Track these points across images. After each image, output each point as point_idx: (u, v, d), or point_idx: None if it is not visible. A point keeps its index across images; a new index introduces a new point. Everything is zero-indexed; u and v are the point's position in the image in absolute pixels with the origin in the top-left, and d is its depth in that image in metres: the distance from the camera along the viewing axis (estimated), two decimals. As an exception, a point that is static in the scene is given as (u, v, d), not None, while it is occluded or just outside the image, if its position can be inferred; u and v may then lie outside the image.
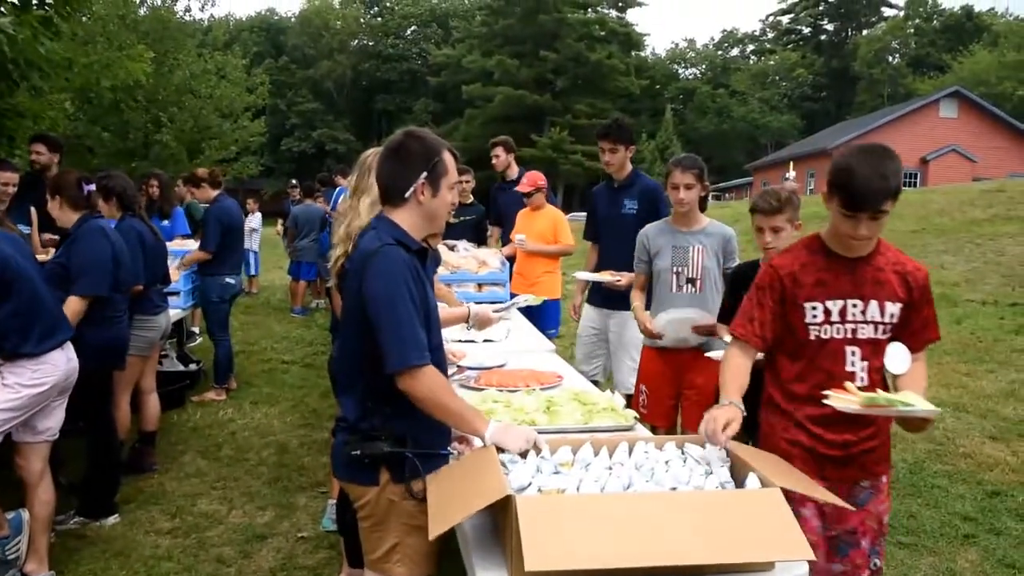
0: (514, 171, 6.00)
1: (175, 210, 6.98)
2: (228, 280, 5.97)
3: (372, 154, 3.07)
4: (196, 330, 7.90)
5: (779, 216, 3.05)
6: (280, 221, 11.91)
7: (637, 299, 3.84)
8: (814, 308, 2.32)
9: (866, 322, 2.31)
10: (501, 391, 3.14)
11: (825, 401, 2.19)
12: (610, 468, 2.12)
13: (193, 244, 6.20)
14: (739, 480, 2.05)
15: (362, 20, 51.82)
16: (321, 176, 11.27)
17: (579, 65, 42.75)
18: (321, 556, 3.64)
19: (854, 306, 2.30)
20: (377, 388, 2.17)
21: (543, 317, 5.10)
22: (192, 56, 16.74)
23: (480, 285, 5.30)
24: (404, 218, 2.24)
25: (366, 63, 49.57)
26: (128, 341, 4.05)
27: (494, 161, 6.00)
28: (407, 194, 2.21)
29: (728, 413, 2.20)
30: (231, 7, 75.05)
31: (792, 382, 2.40)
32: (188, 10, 17.78)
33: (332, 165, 39.43)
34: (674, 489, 1.98)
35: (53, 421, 3.29)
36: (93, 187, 3.80)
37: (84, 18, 6.10)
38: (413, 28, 52.12)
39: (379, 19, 51.93)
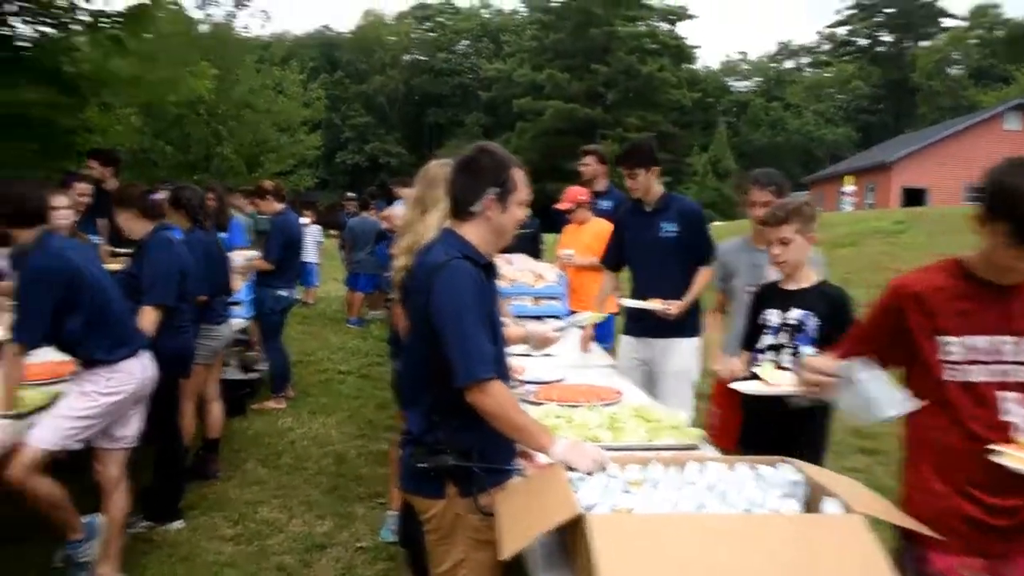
0: (602, 183, 5.89)
1: (232, 222, 7.12)
2: (282, 292, 6.06)
3: (436, 166, 3.10)
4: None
5: (785, 227, 2.89)
6: (335, 233, 12.10)
7: (713, 326, 3.80)
8: (951, 343, 1.97)
9: (1020, 363, 1.94)
10: (562, 406, 3.13)
11: (995, 459, 1.87)
12: (680, 488, 2.09)
13: (251, 254, 6.33)
14: (815, 505, 2.00)
15: (414, 35, 52.55)
16: (371, 189, 11.44)
17: (630, 78, 42.61)
18: (380, 567, 3.65)
19: (1004, 343, 1.94)
20: (443, 401, 2.18)
21: (598, 332, 5.05)
22: (251, 71, 17.16)
23: (537, 298, 5.29)
24: (472, 232, 2.25)
25: (418, 77, 50.19)
26: (194, 350, 4.14)
27: (583, 169, 5.93)
28: (476, 208, 2.22)
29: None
30: (288, 24, 76.92)
31: (935, 431, 2.02)
32: (247, 27, 18.27)
33: (385, 178, 39.83)
34: (748, 511, 1.94)
35: (130, 429, 3.39)
36: (160, 196, 3.91)
37: (146, 36, 6.24)
38: (465, 42, 52.65)
39: (431, 34, 52.58)
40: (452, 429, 2.18)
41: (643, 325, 4.19)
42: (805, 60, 56.94)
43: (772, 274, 3.16)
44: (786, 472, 2.15)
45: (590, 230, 5.36)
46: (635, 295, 4.23)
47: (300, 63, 21.33)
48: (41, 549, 3.47)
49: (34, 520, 3.47)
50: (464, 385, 2.08)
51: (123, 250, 5.17)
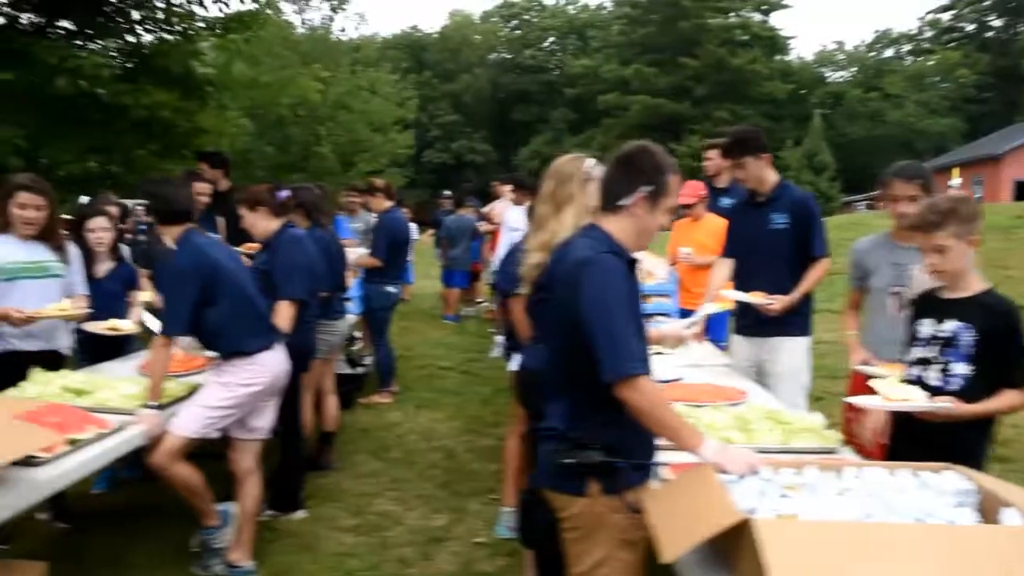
0: (725, 179, 5.74)
1: (336, 220, 7.29)
2: (389, 289, 6.18)
3: (568, 161, 3.08)
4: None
5: (940, 233, 2.54)
6: (430, 231, 12.27)
7: (849, 322, 3.63)
8: None
9: None
10: (688, 406, 3.05)
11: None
12: (840, 493, 2.00)
13: (360, 252, 6.48)
14: (991, 515, 1.88)
15: (501, 33, 52.80)
16: (466, 186, 11.53)
17: (720, 71, 41.68)
18: (500, 563, 3.66)
19: None
20: (588, 397, 2.16)
21: (711, 328, 4.92)
22: (346, 73, 17.59)
23: (646, 296, 5.21)
24: (616, 228, 2.21)
25: (504, 75, 50.43)
26: (315, 345, 4.25)
27: (706, 164, 5.82)
28: (625, 203, 2.18)
29: None
30: (376, 26, 78.61)
31: None
32: (343, 30, 18.74)
33: (471, 175, 40.10)
34: (920, 521, 1.84)
35: (265, 420, 3.50)
36: (284, 194, 4.02)
37: (256, 40, 6.51)
38: (551, 39, 52.58)
39: (518, 32, 52.72)
40: (597, 425, 2.15)
41: (751, 323, 4.03)
42: (906, 48, 54.40)
43: (919, 275, 2.98)
44: (953, 479, 2.03)
45: (705, 227, 5.24)
46: (741, 291, 4.10)
47: (394, 64, 21.73)
48: (178, 533, 3.62)
49: (172, 505, 3.65)
50: (612, 381, 2.04)
51: (240, 249, 5.37)
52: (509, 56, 51.80)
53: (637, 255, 4.13)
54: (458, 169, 44.76)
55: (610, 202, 2.22)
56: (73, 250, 3.88)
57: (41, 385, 3.26)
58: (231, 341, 3.27)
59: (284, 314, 3.70)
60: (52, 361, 3.59)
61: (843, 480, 2.06)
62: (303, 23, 17.23)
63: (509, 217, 8.01)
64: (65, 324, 3.79)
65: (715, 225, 5.26)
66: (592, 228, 2.26)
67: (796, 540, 1.65)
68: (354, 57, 20.27)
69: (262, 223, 3.91)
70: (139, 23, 6.68)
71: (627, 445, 2.17)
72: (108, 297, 4.22)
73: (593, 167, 3.07)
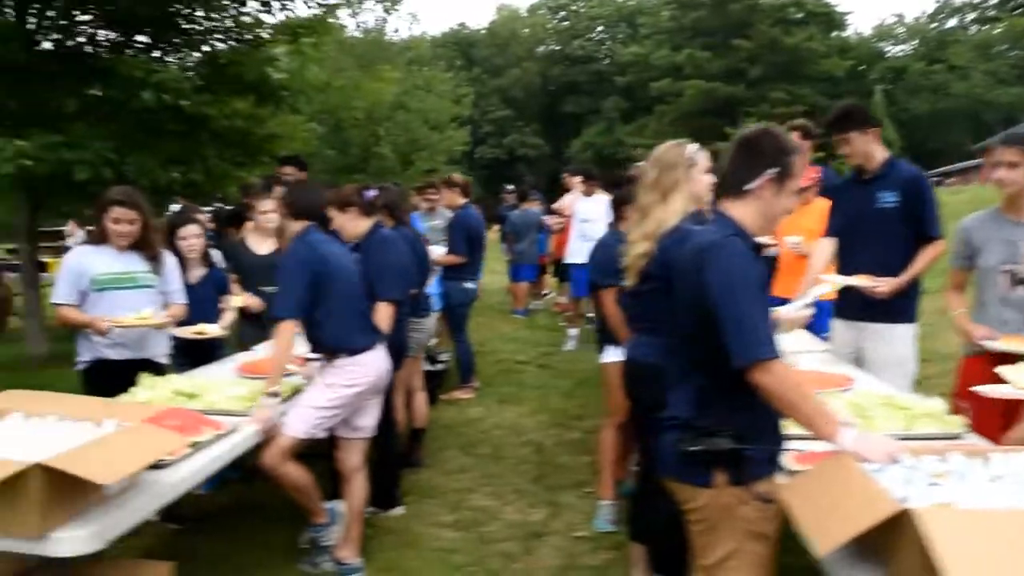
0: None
1: (411, 217, 7.35)
2: (467, 285, 6.20)
3: (671, 148, 3.03)
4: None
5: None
6: (495, 227, 12.28)
7: (956, 303, 3.48)
8: None
9: None
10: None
11: None
12: (992, 480, 1.92)
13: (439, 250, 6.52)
14: None
15: (548, 26, 52.54)
16: (529, 179, 11.52)
17: (774, 52, 40.73)
18: (604, 557, 3.63)
19: None
20: (714, 384, 2.13)
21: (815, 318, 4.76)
22: (403, 72, 17.70)
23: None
24: (741, 212, 2.16)
25: (553, 67, 50.15)
26: (407, 343, 4.28)
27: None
28: (750, 187, 2.13)
29: None
30: (425, 26, 79.10)
31: None
32: (396, 31, 18.88)
33: (523, 169, 39.93)
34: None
35: (369, 419, 3.54)
36: (372, 194, 4.05)
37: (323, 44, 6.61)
38: (600, 28, 52.13)
39: (566, 23, 52.38)
40: (725, 411, 2.11)
41: (853, 307, 3.84)
42: (970, 17, 52.30)
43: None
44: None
45: (813, 212, 5.07)
46: (843, 274, 3.95)
47: (448, 62, 21.79)
48: (284, 532, 3.70)
49: (277, 504, 3.73)
50: (744, 365, 1.99)
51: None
52: (558, 48, 51.47)
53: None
54: (511, 164, 44.77)
55: (734, 187, 2.17)
56: (170, 260, 3.96)
57: (151, 390, 3.35)
58: (336, 338, 3.31)
59: (383, 314, 3.75)
60: (146, 370, 3.61)
61: (992, 467, 1.98)
62: (357, 26, 17.39)
63: (580, 208, 7.98)
64: (158, 333, 3.86)
65: (824, 208, 5.09)
66: (715, 213, 2.22)
67: (963, 530, 1.58)
68: (408, 56, 20.40)
69: (352, 224, 3.94)
70: (208, 33, 6.82)
71: (755, 433, 2.12)
72: (201, 302, 4.31)
73: (696, 152, 3.01)
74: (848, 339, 3.97)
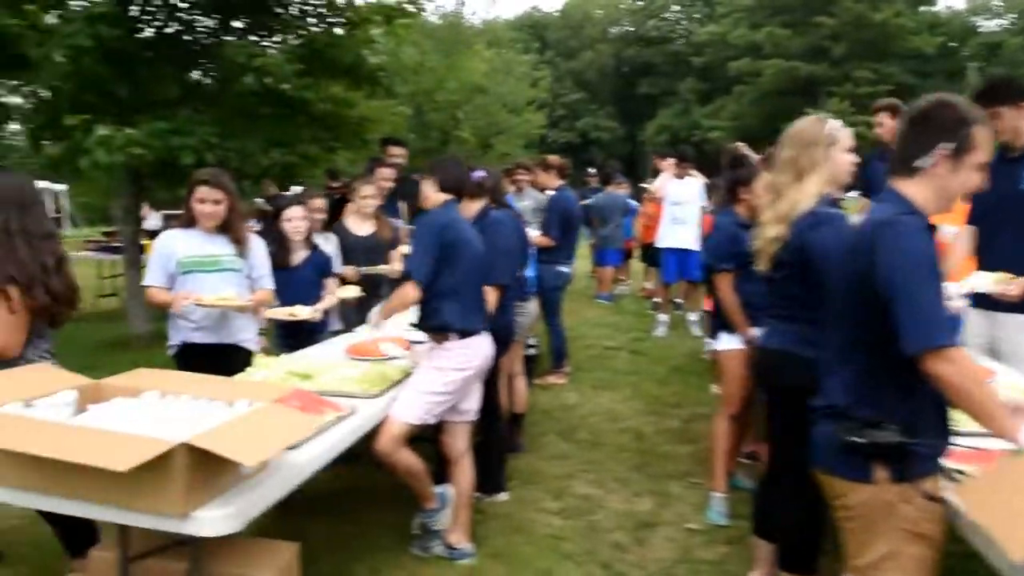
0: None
1: (509, 199, 7.28)
2: (562, 268, 6.10)
3: (811, 123, 2.86)
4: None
5: None
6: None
7: None
8: None
9: None
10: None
11: None
12: None
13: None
14: None
15: (622, 6, 51.72)
16: (611, 163, 11.32)
17: (860, 28, 39.08)
18: (721, 551, 3.51)
19: None
20: (875, 371, 1.99)
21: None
22: (481, 56, 17.64)
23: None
24: (914, 191, 2.00)
25: (628, 49, 49.37)
26: (514, 327, 4.22)
27: (878, 130, 5.42)
28: (923, 164, 1.97)
29: None
30: (499, 9, 78.85)
31: None
32: (474, 13, 18.81)
33: (596, 153, 39.46)
34: None
35: (473, 402, 3.50)
36: (480, 175, 3.98)
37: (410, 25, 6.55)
38: (675, 8, 51.02)
39: (640, 3, 51.44)
40: (890, 401, 1.98)
41: (988, 296, 3.52)
42: (1073, -13, 49.14)
43: None
44: None
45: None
46: (982, 264, 3.67)
47: (524, 45, 21.58)
48: (392, 515, 3.69)
49: (384, 487, 3.72)
50: (918, 352, 1.84)
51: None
52: (632, 29, 50.65)
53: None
54: (584, 147, 44.38)
55: (905, 164, 2.01)
56: (257, 244, 3.90)
57: (266, 369, 3.38)
58: (452, 316, 3.27)
59: (492, 298, 3.69)
60: (232, 355, 3.66)
61: None
62: (436, 9, 17.40)
63: (671, 191, 7.79)
64: (245, 318, 3.82)
65: None
66: (887, 192, 2.06)
67: None
68: (487, 40, 20.31)
69: (463, 206, 3.88)
70: (302, 16, 6.83)
71: (922, 425, 1.98)
72: (303, 284, 4.37)
73: (839, 129, 2.83)
74: (982, 329, 3.74)
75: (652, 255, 8.20)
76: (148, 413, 2.32)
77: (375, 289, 5.05)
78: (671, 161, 7.93)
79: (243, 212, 4.02)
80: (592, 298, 10.14)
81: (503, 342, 4.01)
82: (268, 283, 3.94)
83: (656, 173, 8.75)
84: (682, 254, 7.77)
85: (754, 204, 3.91)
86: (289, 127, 6.03)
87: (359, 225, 5.04)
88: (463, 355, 3.33)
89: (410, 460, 3.28)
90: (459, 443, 3.52)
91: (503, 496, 4.10)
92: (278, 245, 4.34)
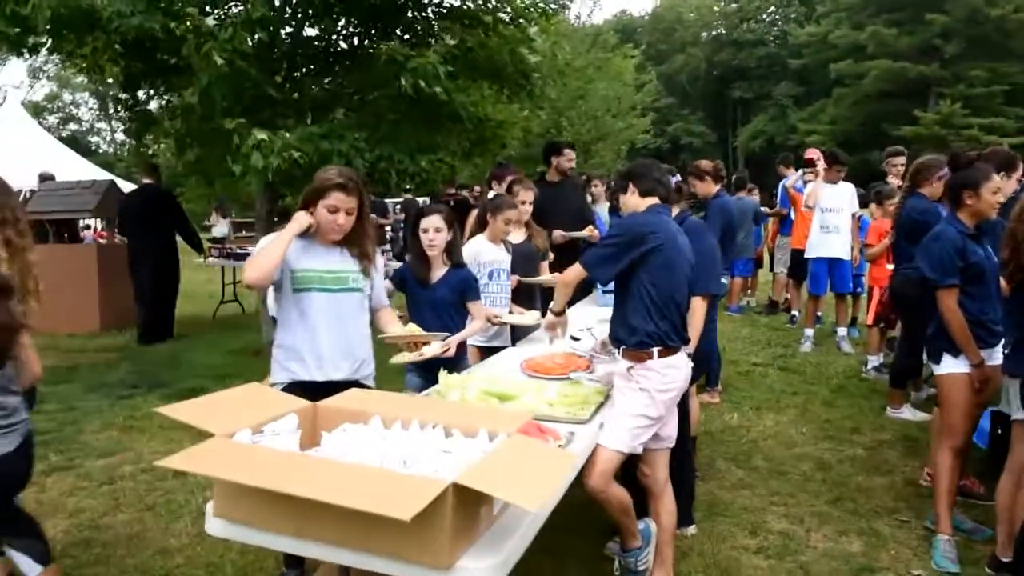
0: None
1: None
2: (720, 280, 5.70)
3: None
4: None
5: None
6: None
7: None
8: None
9: None
10: None
11: None
12: None
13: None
14: None
15: (716, 8, 50.65)
16: (742, 169, 10.84)
17: (974, 25, 36.97)
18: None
19: None
20: None
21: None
22: (585, 60, 17.31)
23: None
24: None
25: (720, 52, 48.28)
26: (715, 343, 3.90)
27: None
28: None
29: None
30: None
31: None
32: (578, 17, 18.52)
33: (687, 159, 38.98)
34: None
35: (673, 427, 3.18)
36: (678, 179, 3.68)
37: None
38: (771, 10, 49.62)
39: (734, 4, 50.25)
40: None
41: None
42: None
43: None
44: None
45: None
46: None
47: (633, 47, 21.04)
48: (576, 541, 3.42)
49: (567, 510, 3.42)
50: None
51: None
52: (725, 32, 49.57)
53: None
54: (675, 153, 43.59)
55: None
56: (380, 261, 3.35)
57: (458, 389, 3.12)
58: (655, 331, 2.95)
59: (700, 310, 3.37)
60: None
61: None
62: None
63: (823, 197, 7.31)
64: (369, 348, 3.21)
65: None
66: None
67: None
68: (594, 42, 19.99)
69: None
70: (448, 17, 6.59)
71: None
72: (440, 307, 3.80)
73: None
74: None
75: (802, 266, 7.67)
76: (386, 443, 2.08)
77: (529, 302, 4.86)
78: (822, 165, 7.42)
79: (371, 223, 3.36)
80: (721, 310, 9.65)
81: (705, 359, 3.69)
82: (386, 301, 3.43)
83: (779, 178, 8.27)
84: (832, 264, 7.27)
85: (980, 210, 3.49)
86: (437, 132, 5.85)
87: (513, 233, 4.79)
88: (669, 374, 3.00)
89: (622, 495, 2.98)
90: (660, 473, 3.20)
91: (692, 529, 3.75)
92: (419, 259, 3.86)
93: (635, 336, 3.00)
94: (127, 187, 11.01)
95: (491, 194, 5.45)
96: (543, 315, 4.88)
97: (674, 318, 3.05)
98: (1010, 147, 6.52)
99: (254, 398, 2.32)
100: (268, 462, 1.87)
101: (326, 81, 6.11)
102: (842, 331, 7.50)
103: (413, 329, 3.40)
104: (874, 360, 6.41)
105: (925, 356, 6.27)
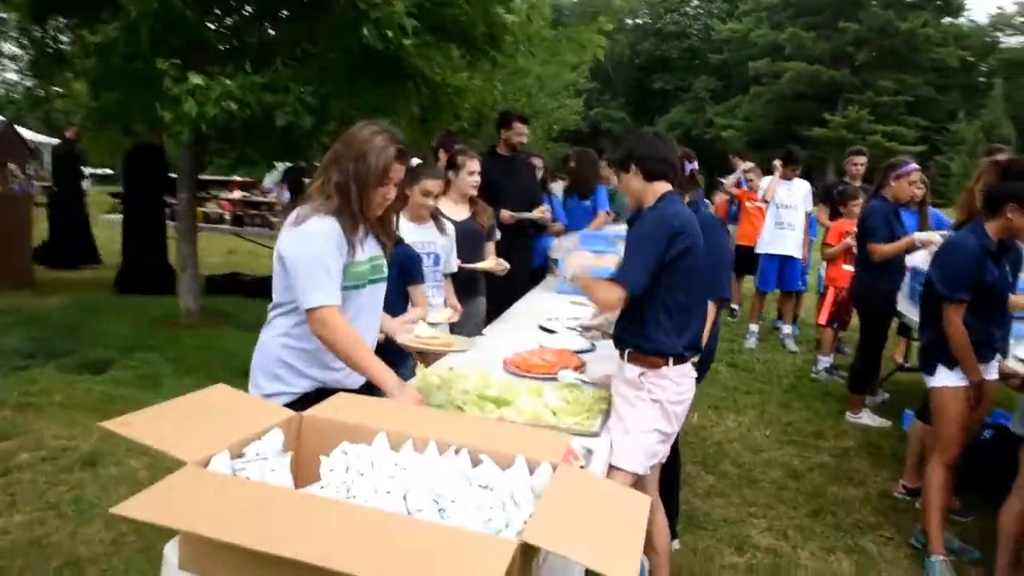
0: None
1: (599, 189, 6.63)
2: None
3: None
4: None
5: None
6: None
7: None
8: None
9: None
10: None
11: None
12: None
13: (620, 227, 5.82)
14: None
15: (641, -3, 50.92)
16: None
17: (885, 36, 38.51)
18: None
19: None
20: None
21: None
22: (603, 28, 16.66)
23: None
24: None
25: (644, 42, 48.63)
26: (715, 346, 3.58)
27: None
28: None
29: None
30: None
31: None
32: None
33: (606, 145, 39.14)
34: None
35: (669, 442, 2.86)
36: (693, 167, 3.33)
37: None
38: (695, 3, 50.26)
39: (659, -5, 50.66)
40: None
41: None
42: (1095, 9, 48.71)
43: None
44: None
45: None
46: None
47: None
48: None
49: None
50: None
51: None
52: (650, 21, 49.92)
53: None
54: (594, 137, 43.62)
55: None
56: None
57: (446, 391, 2.68)
58: (674, 339, 2.60)
59: (710, 317, 3.04)
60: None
61: None
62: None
63: (778, 194, 7.18)
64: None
65: None
66: None
67: None
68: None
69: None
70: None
71: None
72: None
73: None
74: None
75: (746, 260, 7.52)
76: (405, 475, 1.64)
77: (471, 288, 4.28)
78: (749, 164, 7.28)
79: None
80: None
81: (705, 366, 3.37)
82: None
83: (729, 171, 8.15)
84: (783, 261, 7.16)
85: (1018, 228, 3.29)
86: (395, 93, 5.28)
87: (454, 209, 4.20)
88: (679, 383, 2.66)
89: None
90: (652, 491, 2.86)
91: (675, 544, 3.45)
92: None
93: (651, 343, 2.63)
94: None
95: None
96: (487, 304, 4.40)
97: (697, 329, 2.71)
98: (909, 156, 6.61)
99: (224, 406, 1.83)
100: (266, 508, 1.39)
101: (269, 28, 5.45)
102: (787, 329, 7.42)
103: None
104: (824, 361, 6.33)
105: (900, 362, 6.27)
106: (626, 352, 2.70)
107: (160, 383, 5.12)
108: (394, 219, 2.72)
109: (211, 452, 1.55)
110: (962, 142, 34.47)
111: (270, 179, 16.75)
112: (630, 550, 1.42)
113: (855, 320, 5.83)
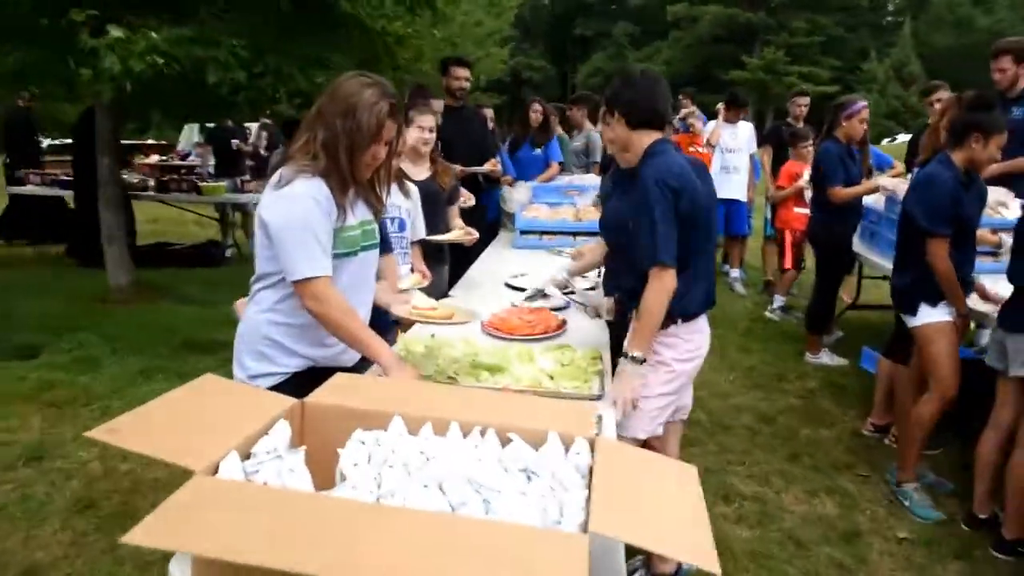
0: (1018, 88, 4.87)
1: (552, 140, 6.48)
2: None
3: None
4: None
5: None
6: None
7: None
8: None
9: None
10: None
11: None
12: None
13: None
14: None
15: (559, -61, 50.09)
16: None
17: (799, -25, 39.12)
18: (956, 568, 2.95)
19: None
20: None
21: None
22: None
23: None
24: None
25: (562, -13, 48.12)
26: None
27: (997, 76, 4.90)
28: None
29: None
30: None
31: None
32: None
33: (527, 92, 38.77)
34: None
35: (688, 396, 2.82)
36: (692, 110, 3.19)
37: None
38: (613, -54, 49.77)
39: (576, -63, 49.93)
40: None
41: None
42: (993, -53, 50.41)
43: None
44: None
45: None
46: None
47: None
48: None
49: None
50: None
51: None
52: (568, -35, 49.26)
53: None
54: (516, 86, 43.16)
55: None
56: None
57: (434, 360, 2.52)
58: (687, 297, 2.49)
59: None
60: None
61: None
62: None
63: (723, 137, 7.15)
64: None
65: None
66: None
67: None
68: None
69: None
70: None
71: None
72: None
73: None
74: None
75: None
76: (433, 464, 1.48)
77: (437, 256, 3.93)
78: (690, 107, 7.21)
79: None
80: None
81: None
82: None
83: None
84: (730, 205, 7.16)
85: (979, 160, 3.30)
86: (336, 44, 4.92)
87: (411, 168, 3.82)
88: (693, 340, 2.59)
89: None
90: (672, 449, 2.85)
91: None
92: None
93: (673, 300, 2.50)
94: None
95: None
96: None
97: (709, 281, 2.61)
98: (823, 96, 6.65)
99: (218, 399, 1.63)
100: (305, 522, 1.20)
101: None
102: (735, 273, 7.47)
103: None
104: (779, 300, 6.39)
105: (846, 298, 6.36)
106: (632, 311, 2.59)
107: (99, 364, 4.78)
108: (385, 180, 2.33)
109: (218, 456, 1.36)
110: (873, 80, 35.46)
111: (185, 141, 15.92)
112: (701, 531, 1.30)
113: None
